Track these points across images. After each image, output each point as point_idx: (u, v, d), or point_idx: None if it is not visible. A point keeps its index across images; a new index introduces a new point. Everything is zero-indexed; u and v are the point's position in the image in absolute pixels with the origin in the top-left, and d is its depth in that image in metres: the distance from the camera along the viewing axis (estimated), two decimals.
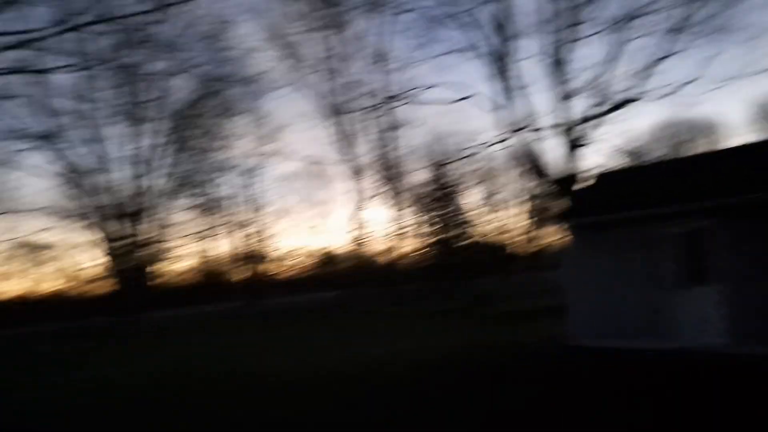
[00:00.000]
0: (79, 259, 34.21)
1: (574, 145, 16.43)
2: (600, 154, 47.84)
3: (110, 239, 20.65)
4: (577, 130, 16.45)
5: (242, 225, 34.66)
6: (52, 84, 22.58)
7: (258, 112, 27.42)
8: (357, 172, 29.30)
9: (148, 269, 21.28)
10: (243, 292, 36.11)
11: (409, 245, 30.13)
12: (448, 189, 27.84)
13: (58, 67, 15.28)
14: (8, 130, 19.45)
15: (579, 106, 16.61)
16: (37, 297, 32.42)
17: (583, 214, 9.93)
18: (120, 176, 21.58)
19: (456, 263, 25.96)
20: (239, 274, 39.88)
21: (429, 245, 28.10)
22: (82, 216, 22.12)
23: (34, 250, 32.09)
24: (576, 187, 15.75)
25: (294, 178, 55.74)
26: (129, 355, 13.96)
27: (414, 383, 7.72)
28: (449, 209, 27.79)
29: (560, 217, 12.25)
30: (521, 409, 5.93)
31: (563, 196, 16.58)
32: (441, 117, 65.50)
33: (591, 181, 12.60)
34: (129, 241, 20.75)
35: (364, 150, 30.77)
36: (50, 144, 19.80)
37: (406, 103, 20.45)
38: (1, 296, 31.65)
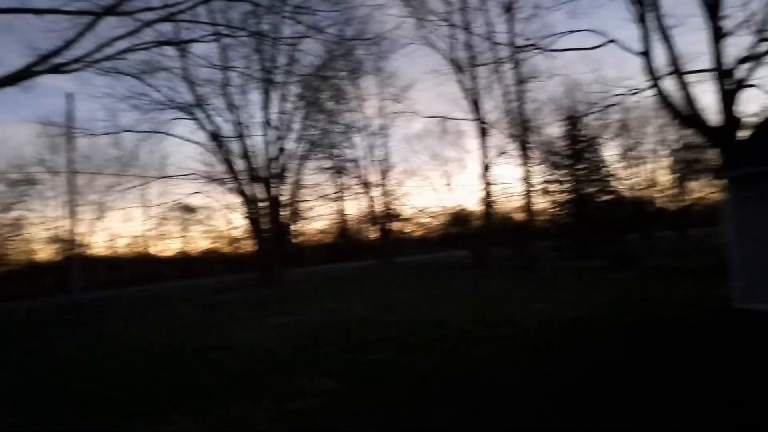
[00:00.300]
0: (226, 220, 36.91)
1: (730, 90, 14.68)
2: (760, 100, 42.72)
3: (251, 201, 21.91)
4: (734, 73, 14.66)
5: (372, 185, 35.28)
6: (195, 55, 24.13)
7: (386, 71, 27.37)
8: (487, 128, 28.59)
9: (286, 229, 22.34)
10: (375, 252, 37.12)
11: (543, 202, 29.09)
12: (585, 142, 26.30)
13: (197, 39, 16.21)
14: (158, 100, 21.08)
15: (735, 46, 14.78)
16: (189, 256, 35.59)
17: (745, 165, 8.87)
18: (257, 141, 22.71)
19: (595, 220, 24.61)
20: (371, 234, 41.04)
21: (565, 202, 26.87)
22: (226, 179, 23.70)
23: (185, 211, 35.08)
24: (733, 136, 14.16)
25: (423, 136, 55.86)
26: (308, 304, 14.38)
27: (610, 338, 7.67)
28: (587, 164, 26.27)
29: (715, 170, 11.11)
30: (710, 377, 5.55)
31: (716, 147, 15.01)
32: (577, 66, 61.98)
33: (752, 129, 11.25)
34: (267, 202, 21.88)
35: (495, 105, 29.92)
36: (196, 112, 21.21)
37: (539, 53, 19.37)
38: (158, 255, 35.02)
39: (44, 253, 31.04)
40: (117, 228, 45.75)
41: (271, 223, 21.85)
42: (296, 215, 23.39)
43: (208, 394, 5.94)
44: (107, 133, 22.49)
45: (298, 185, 23.47)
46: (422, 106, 60.55)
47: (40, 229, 31.85)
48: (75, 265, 21.76)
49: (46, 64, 8.05)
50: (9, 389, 6.77)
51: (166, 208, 34.99)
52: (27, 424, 5.37)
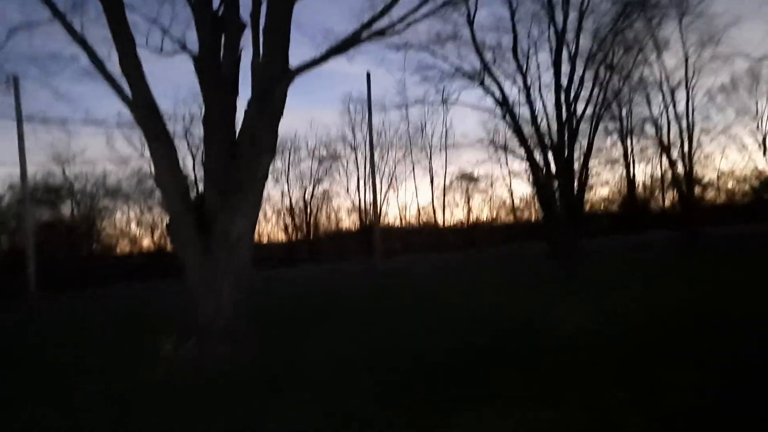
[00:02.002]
0: (509, 189, 36.58)
1: None
2: None
3: (539, 168, 20.93)
4: None
5: (670, 147, 31.23)
6: (479, 23, 23.85)
7: (694, 11, 23.60)
8: None
9: (577, 198, 20.85)
10: (670, 222, 33.12)
11: None
12: None
13: None
14: (446, 71, 21.32)
15: None
16: (472, 225, 36.17)
17: None
18: (547, 105, 21.53)
19: None
20: (665, 202, 36.83)
21: None
22: (514, 146, 23.12)
23: (468, 181, 35.63)
24: None
25: (730, 90, 47.86)
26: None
27: None
28: None
29: None
30: None
31: None
32: None
33: None
34: (557, 169, 20.66)
35: None
36: (483, 79, 20.90)
37: None
38: (442, 224, 36.23)
39: (347, 222, 34.54)
40: (407, 198, 48.63)
41: (560, 191, 20.60)
42: (585, 182, 21.65)
43: (547, 377, 5.24)
44: (399, 107, 23.73)
45: (588, 150, 21.69)
46: (748, 47, 50.81)
47: (344, 200, 35.47)
48: (377, 234, 23.52)
49: (369, 30, 8.16)
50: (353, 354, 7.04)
51: (451, 177, 35.95)
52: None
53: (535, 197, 26.02)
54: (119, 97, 7.60)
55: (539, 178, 20.95)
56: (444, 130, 41.24)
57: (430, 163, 35.89)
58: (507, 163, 35.03)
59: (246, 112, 7.81)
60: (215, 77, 7.90)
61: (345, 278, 17.90)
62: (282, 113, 7.91)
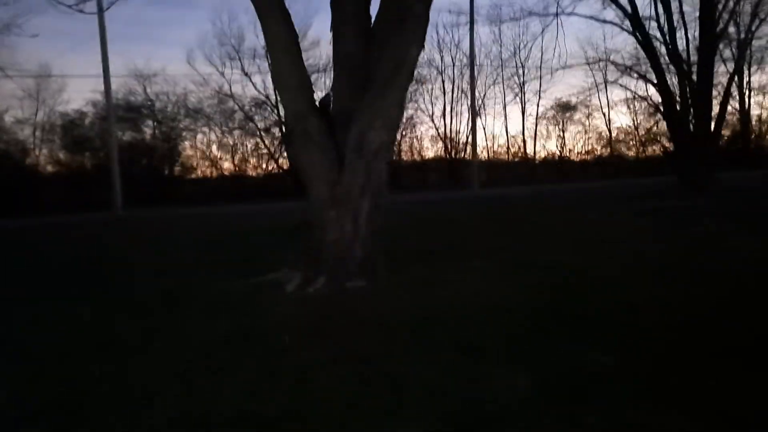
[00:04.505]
0: (608, 118, 33.52)
1: None
2: None
3: (669, 92, 18.18)
4: None
5: None
6: None
7: None
8: None
9: (715, 128, 18.09)
10: None
11: None
12: None
13: None
14: None
15: None
16: (565, 158, 33.54)
17: None
18: (683, 22, 18.50)
19: None
20: None
21: None
22: (640, 67, 20.34)
23: (565, 109, 32.76)
24: None
25: None
26: None
27: None
28: None
29: None
30: None
31: None
32: None
33: None
34: (689, 94, 17.86)
35: None
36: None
37: None
38: (534, 156, 33.73)
39: (432, 151, 32.53)
40: (495, 127, 45.93)
41: (694, 119, 17.87)
42: (724, 110, 18.75)
43: None
44: (511, 20, 21.14)
45: (735, 72, 18.67)
46: None
47: (428, 128, 33.41)
48: (474, 164, 21.63)
49: None
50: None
51: (546, 106, 33.24)
52: None
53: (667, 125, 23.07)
54: None
55: (669, 103, 18.19)
56: (540, 54, 37.79)
57: (522, 89, 33.09)
58: (606, 91, 31.97)
59: None
60: None
61: (445, 207, 16.19)
62: None
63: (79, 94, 44.21)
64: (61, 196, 23.01)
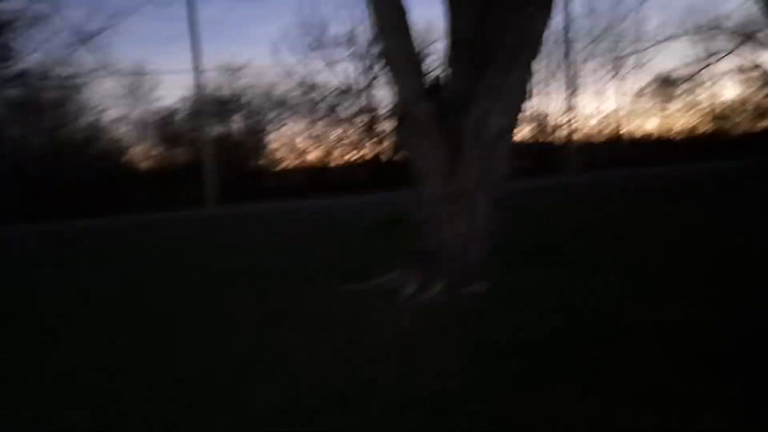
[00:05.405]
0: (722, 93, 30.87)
1: None
2: None
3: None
4: None
5: None
6: None
7: None
8: None
9: None
10: None
11: None
12: None
13: None
14: None
15: None
16: (667, 137, 31.20)
17: None
18: None
19: None
20: None
21: None
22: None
23: (667, 84, 30.44)
24: None
25: None
26: None
27: None
28: None
29: None
30: None
31: None
32: None
33: None
34: None
35: None
36: None
37: None
38: (630, 136, 31.62)
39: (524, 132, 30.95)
40: (592, 105, 43.49)
41: None
42: None
43: None
44: None
45: None
46: None
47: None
48: (571, 147, 20.32)
49: None
50: None
51: (646, 81, 31.13)
52: None
53: None
54: None
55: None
56: (639, 26, 35.15)
57: (620, 64, 30.86)
58: (714, 63, 29.28)
59: None
60: None
61: (546, 196, 15.09)
62: None
63: (171, 91, 45.78)
64: (154, 193, 23.69)
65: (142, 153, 27.90)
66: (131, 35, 29.43)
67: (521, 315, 4.25)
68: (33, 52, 21.49)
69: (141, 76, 27.24)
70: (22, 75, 20.53)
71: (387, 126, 25.62)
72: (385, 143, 27.12)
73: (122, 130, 27.38)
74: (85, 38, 19.04)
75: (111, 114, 30.57)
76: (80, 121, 25.94)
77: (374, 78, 26.45)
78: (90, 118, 26.20)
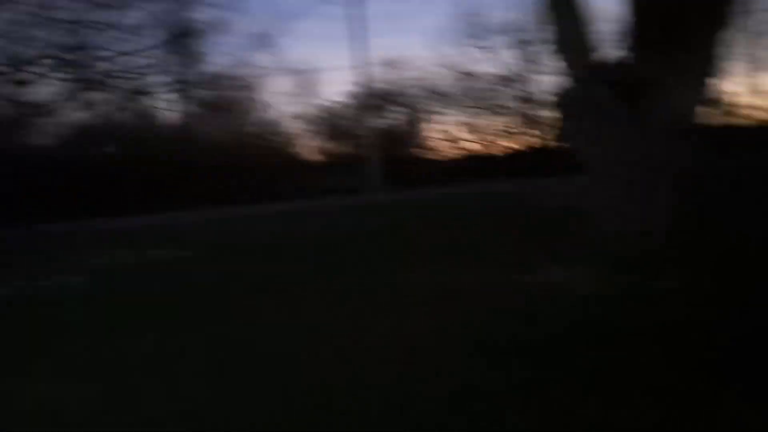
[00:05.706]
0: None
1: None
2: None
3: None
4: None
5: None
6: None
7: None
8: None
9: None
10: None
11: None
12: None
13: None
14: None
15: None
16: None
17: None
18: None
19: None
20: None
21: None
22: None
23: None
24: None
25: None
26: None
27: None
28: None
29: None
30: None
31: None
32: None
33: None
34: None
35: None
36: None
37: None
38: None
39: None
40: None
41: None
42: None
43: None
44: None
45: None
46: None
47: None
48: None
49: None
50: None
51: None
52: None
53: None
54: None
55: None
56: None
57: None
58: None
59: None
60: None
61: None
62: None
63: (336, 87, 48.12)
64: (323, 181, 25.13)
65: (312, 145, 29.75)
66: (301, 35, 31.18)
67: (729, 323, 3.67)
68: (218, 56, 23.71)
69: (310, 74, 28.96)
70: (211, 77, 22.72)
71: (548, 113, 24.72)
72: (546, 130, 26.21)
73: (294, 125, 29.36)
74: (262, 41, 20.63)
75: (285, 110, 32.86)
76: (259, 117, 28.27)
77: (535, 64, 25.64)
78: (266, 115, 28.45)
